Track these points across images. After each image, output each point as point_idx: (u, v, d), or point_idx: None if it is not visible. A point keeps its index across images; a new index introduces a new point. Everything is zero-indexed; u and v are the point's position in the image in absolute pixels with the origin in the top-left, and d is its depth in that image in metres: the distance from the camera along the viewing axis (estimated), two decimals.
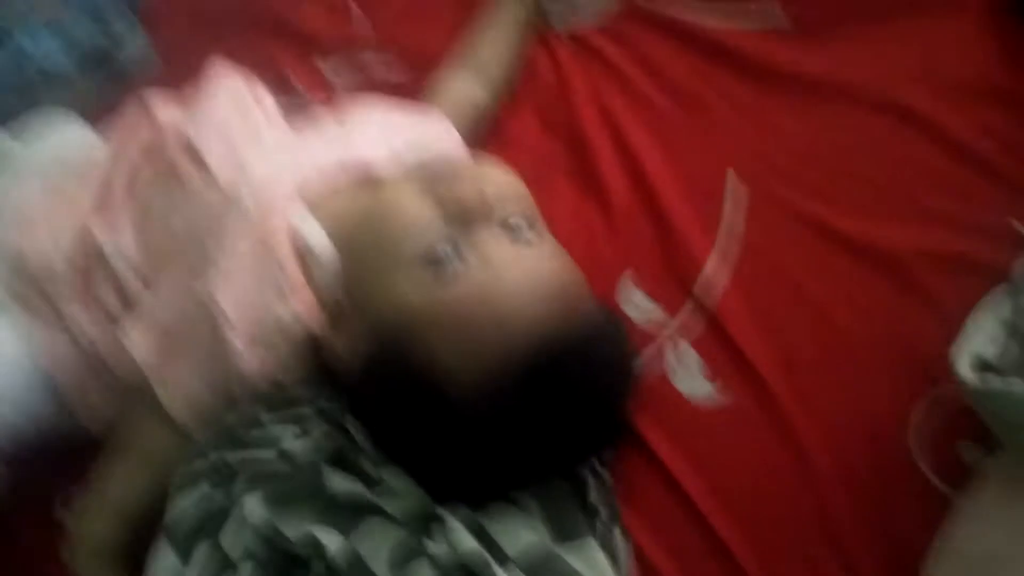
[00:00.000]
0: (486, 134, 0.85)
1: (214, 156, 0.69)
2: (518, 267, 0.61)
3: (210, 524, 0.63)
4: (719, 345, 0.68)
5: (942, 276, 0.65)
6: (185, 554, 0.63)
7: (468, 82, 0.85)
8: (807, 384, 0.64)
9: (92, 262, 0.71)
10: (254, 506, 0.61)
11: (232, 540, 0.62)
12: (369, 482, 0.62)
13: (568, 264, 0.66)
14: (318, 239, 0.66)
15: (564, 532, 0.59)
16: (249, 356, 0.65)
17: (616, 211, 0.76)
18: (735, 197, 0.73)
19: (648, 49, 0.84)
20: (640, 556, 0.62)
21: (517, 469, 0.61)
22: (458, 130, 0.80)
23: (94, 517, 0.69)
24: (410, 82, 0.90)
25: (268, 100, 0.79)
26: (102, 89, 1.03)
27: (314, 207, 0.68)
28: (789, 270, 0.69)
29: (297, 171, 0.70)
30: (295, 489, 0.62)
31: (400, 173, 0.69)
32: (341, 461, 0.63)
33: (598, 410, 0.63)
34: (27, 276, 0.73)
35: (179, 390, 0.68)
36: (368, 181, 0.70)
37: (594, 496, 0.62)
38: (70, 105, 1.00)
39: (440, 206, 0.63)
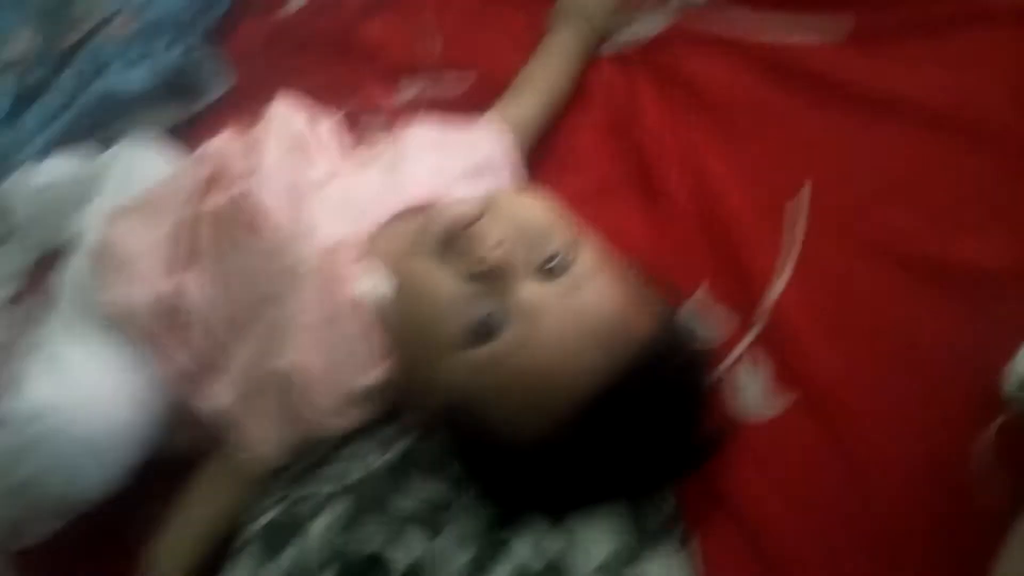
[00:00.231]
0: (545, 150, 0.87)
1: (282, 218, 0.69)
2: (562, 314, 0.60)
3: (293, 529, 0.66)
4: (788, 362, 0.68)
5: (1015, 297, 0.64)
6: (268, 554, 0.66)
7: (522, 102, 0.86)
8: (871, 402, 0.64)
9: (172, 321, 0.72)
10: (336, 513, 0.64)
11: (316, 546, 0.64)
12: (451, 492, 0.64)
13: (620, 282, 0.64)
14: (386, 291, 0.67)
15: (643, 542, 0.61)
16: (335, 421, 0.67)
17: (684, 228, 0.77)
18: (804, 214, 0.73)
19: (706, 62, 0.84)
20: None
21: (594, 494, 0.62)
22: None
23: (170, 549, 0.72)
24: (482, 99, 0.91)
25: (327, 136, 0.80)
26: (181, 115, 1.07)
27: (375, 256, 0.69)
28: (856, 288, 0.69)
29: (360, 224, 0.70)
30: (376, 498, 0.64)
31: (424, 240, 0.65)
32: (426, 468, 0.65)
33: (668, 434, 0.62)
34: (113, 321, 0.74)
35: (262, 438, 0.68)
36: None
37: (670, 509, 0.63)
38: (149, 130, 1.04)
39: (469, 275, 0.61)
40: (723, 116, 0.81)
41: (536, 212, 0.66)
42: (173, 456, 0.75)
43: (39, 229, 0.97)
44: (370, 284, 0.67)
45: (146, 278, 0.73)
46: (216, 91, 1.08)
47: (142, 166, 0.89)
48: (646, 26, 0.89)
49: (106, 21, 1.15)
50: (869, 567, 0.60)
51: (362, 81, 1.00)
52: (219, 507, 0.72)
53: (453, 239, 0.62)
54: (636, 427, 0.60)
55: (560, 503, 0.63)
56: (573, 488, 0.62)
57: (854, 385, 0.65)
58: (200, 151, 0.81)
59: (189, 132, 1.07)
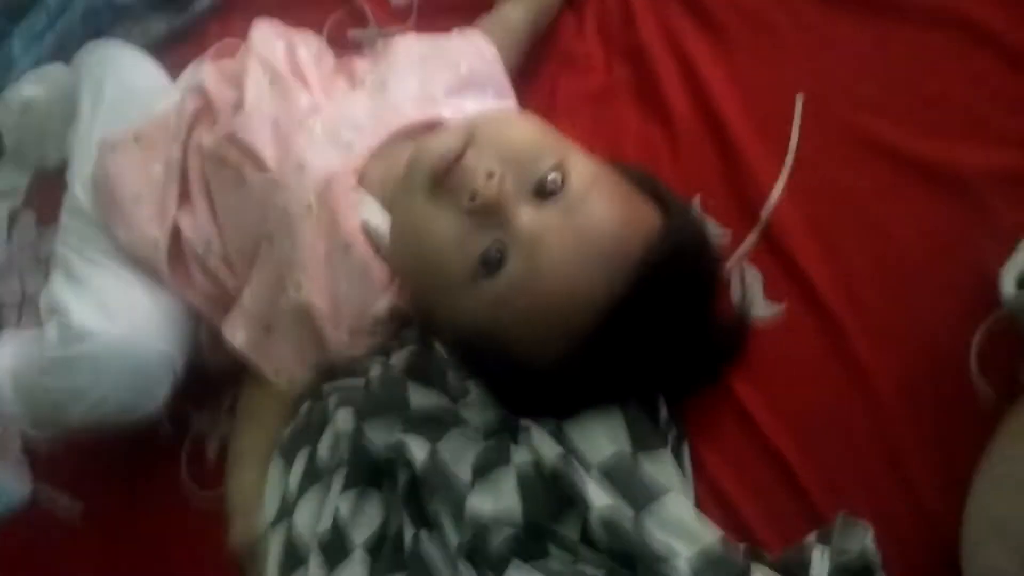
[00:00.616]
0: (538, 53, 0.86)
1: (270, 157, 0.70)
2: (565, 234, 0.59)
3: (309, 435, 0.69)
4: (784, 267, 0.68)
5: (1009, 197, 0.64)
6: (289, 461, 0.69)
7: (508, 13, 0.84)
8: (868, 303, 0.65)
9: (186, 256, 0.75)
10: (346, 418, 0.66)
11: (327, 449, 0.67)
12: (454, 395, 0.66)
13: (617, 193, 0.63)
14: (383, 222, 0.67)
15: (642, 442, 0.62)
16: (351, 344, 0.68)
17: (682, 135, 0.76)
18: (802, 121, 0.72)
19: None
20: (703, 471, 0.64)
21: (607, 389, 0.63)
22: (502, 53, 0.80)
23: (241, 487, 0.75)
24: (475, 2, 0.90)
25: (309, 62, 0.79)
26: (170, 27, 1.05)
27: (368, 185, 0.69)
28: (854, 190, 0.68)
29: (350, 154, 0.70)
30: (382, 402, 0.66)
31: (414, 181, 0.64)
32: (426, 377, 0.66)
33: (688, 334, 0.63)
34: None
35: (282, 367, 0.72)
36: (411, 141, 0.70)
37: (664, 414, 0.64)
38: (136, 40, 1.02)
39: (465, 210, 0.60)
40: (720, 20, 0.79)
41: (522, 135, 0.65)
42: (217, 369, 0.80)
43: (29, 148, 0.98)
44: (367, 216, 0.68)
45: (147, 219, 0.75)
46: (204, 2, 1.05)
47: (118, 76, 0.88)
48: None
49: None
50: (871, 464, 0.61)
51: None
52: (267, 429, 0.74)
53: (442, 176, 0.62)
54: (657, 330, 0.60)
55: (574, 407, 0.64)
56: (591, 394, 0.63)
57: (851, 288, 0.66)
58: (186, 81, 0.81)
59: (178, 45, 1.05)
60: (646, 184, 0.67)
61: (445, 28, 0.88)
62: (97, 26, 1.05)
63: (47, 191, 0.99)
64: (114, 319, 0.71)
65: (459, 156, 0.62)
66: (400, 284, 0.68)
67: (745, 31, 0.78)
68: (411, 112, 0.73)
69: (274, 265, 0.70)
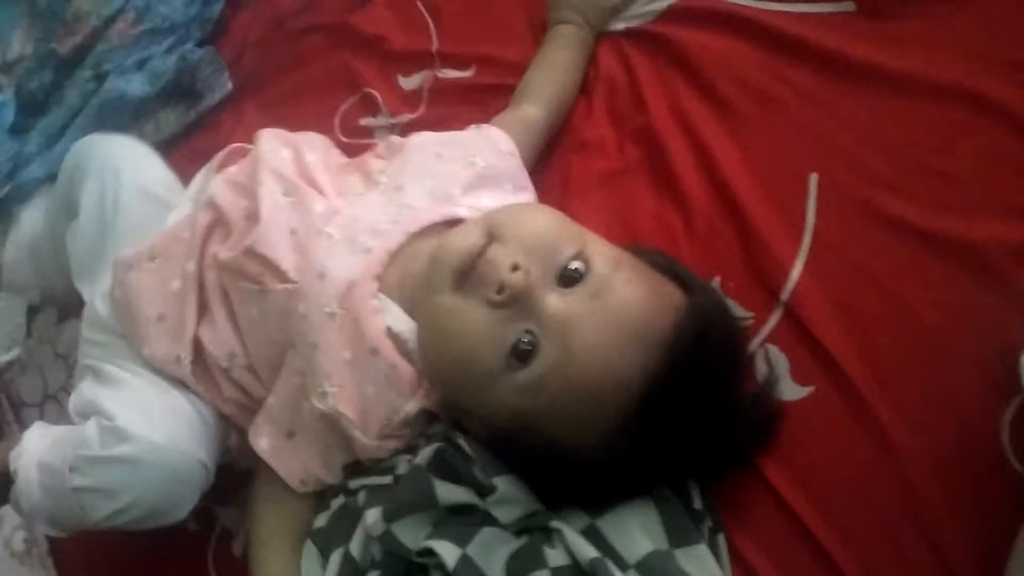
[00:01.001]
0: (551, 145, 0.86)
1: (291, 267, 0.71)
2: (593, 319, 0.60)
3: (341, 533, 0.69)
4: (808, 347, 0.68)
5: None
6: (323, 552, 0.69)
7: (527, 109, 0.85)
8: (895, 381, 0.65)
9: (212, 369, 0.75)
10: (375, 518, 0.65)
11: (360, 549, 0.67)
12: (481, 490, 0.65)
13: (639, 275, 0.64)
14: (406, 325, 0.68)
15: (679, 538, 0.61)
16: (379, 448, 0.69)
17: (697, 216, 0.76)
18: (817, 199, 0.73)
19: (712, 42, 0.83)
20: (739, 559, 0.64)
21: (645, 473, 0.63)
22: (519, 147, 0.80)
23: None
24: (482, 93, 0.92)
25: (317, 167, 0.79)
26: (184, 119, 1.08)
27: (388, 287, 0.69)
28: (872, 268, 0.69)
29: (369, 258, 0.70)
30: (409, 501, 0.65)
31: (439, 279, 0.65)
32: (451, 472, 0.65)
33: (721, 410, 0.63)
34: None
35: (307, 475, 0.72)
36: (430, 240, 0.70)
37: (698, 502, 0.64)
38: (150, 135, 1.06)
39: (492, 303, 0.61)
40: (730, 99, 0.80)
41: (542, 226, 0.66)
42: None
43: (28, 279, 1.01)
44: (391, 323, 0.68)
45: (169, 337, 0.76)
46: (218, 92, 1.08)
47: (131, 179, 0.87)
48: (647, 7, 0.88)
49: (105, 25, 1.13)
50: (907, 545, 0.61)
51: (361, 74, 1.00)
52: (290, 514, 0.74)
53: (467, 272, 0.63)
54: (694, 409, 0.61)
55: (612, 494, 0.64)
56: (629, 479, 0.63)
57: (876, 366, 0.66)
58: (195, 190, 0.82)
59: (190, 136, 1.08)
60: (665, 265, 0.69)
61: (456, 114, 0.91)
62: (113, 122, 1.07)
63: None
64: (155, 425, 0.71)
65: (482, 251, 0.62)
66: (430, 382, 0.68)
67: (754, 110, 0.79)
68: (428, 212, 0.73)
69: (298, 372, 0.70)
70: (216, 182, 0.79)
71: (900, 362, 0.65)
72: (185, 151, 1.05)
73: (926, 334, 0.65)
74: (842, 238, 0.71)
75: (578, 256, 0.63)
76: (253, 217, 0.74)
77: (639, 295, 0.62)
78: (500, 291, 0.61)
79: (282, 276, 0.71)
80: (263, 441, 0.72)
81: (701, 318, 0.63)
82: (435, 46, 0.98)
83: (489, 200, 0.75)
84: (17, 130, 1.13)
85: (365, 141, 0.95)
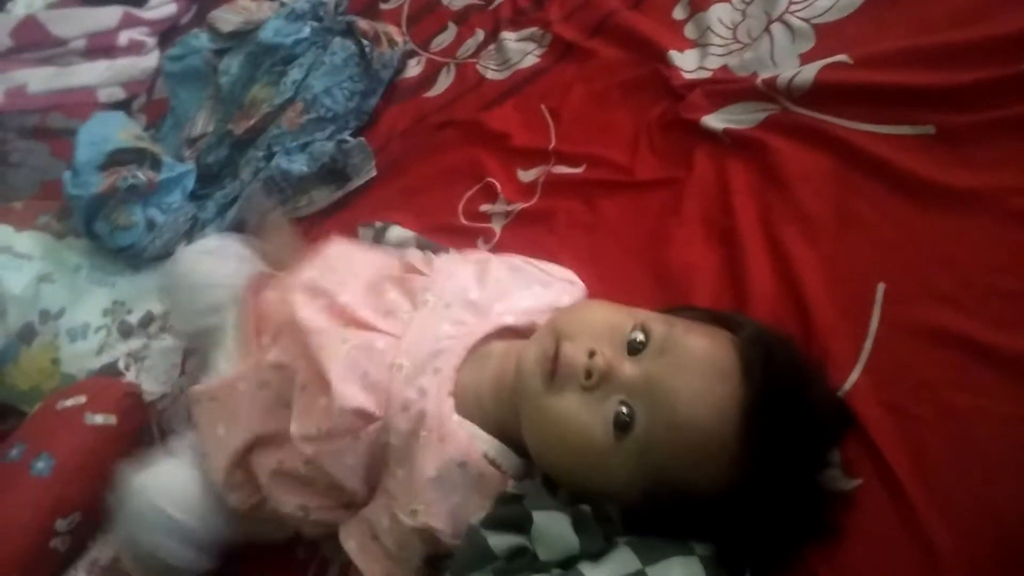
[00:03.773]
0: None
1: (373, 405, 0.75)
2: (672, 369, 0.67)
3: None
4: (860, 442, 0.70)
5: None
6: None
7: None
8: (942, 485, 0.66)
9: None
10: None
11: None
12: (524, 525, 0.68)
13: (696, 327, 0.70)
14: (493, 444, 0.74)
15: None
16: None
17: (762, 313, 0.80)
18: (882, 308, 0.76)
19: (802, 154, 0.89)
20: None
21: (764, 505, 0.66)
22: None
23: None
24: (592, 183, 1.02)
25: (356, 304, 0.82)
26: (332, 197, 1.22)
27: (462, 403, 0.75)
28: (929, 376, 0.71)
29: (440, 378, 0.76)
30: (470, 558, 0.68)
31: (530, 387, 0.70)
32: (501, 520, 0.69)
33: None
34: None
35: (385, 573, 0.77)
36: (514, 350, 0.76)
37: None
38: (304, 208, 1.20)
39: (583, 389, 0.68)
40: (812, 210, 0.86)
41: (598, 314, 0.74)
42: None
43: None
44: (485, 448, 0.74)
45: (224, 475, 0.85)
46: (363, 176, 1.22)
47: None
48: (752, 114, 0.96)
49: (277, 112, 1.31)
50: None
51: (486, 165, 1.12)
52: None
53: (551, 371, 0.69)
54: (791, 419, 0.66)
55: (751, 529, 0.67)
56: (759, 515, 0.66)
57: (924, 468, 0.68)
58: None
59: (341, 211, 1.23)
60: (703, 315, 0.76)
61: (564, 206, 1.02)
62: (275, 194, 1.23)
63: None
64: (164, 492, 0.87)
65: (556, 352, 0.70)
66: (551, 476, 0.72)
67: (833, 221, 0.84)
68: (480, 326, 0.81)
69: (390, 490, 0.76)
70: (299, 303, 0.83)
71: (948, 466, 0.67)
72: (332, 223, 1.19)
73: (976, 442, 0.67)
74: (902, 345, 0.73)
75: (637, 328, 0.70)
76: (322, 385, 0.76)
77: (699, 341, 0.69)
78: (589, 376, 0.68)
79: (369, 417, 0.75)
80: (352, 543, 0.78)
81: (758, 344, 0.69)
82: (552, 144, 1.09)
83: (523, 300, 0.84)
84: (195, 196, 1.32)
85: (481, 225, 1.06)
